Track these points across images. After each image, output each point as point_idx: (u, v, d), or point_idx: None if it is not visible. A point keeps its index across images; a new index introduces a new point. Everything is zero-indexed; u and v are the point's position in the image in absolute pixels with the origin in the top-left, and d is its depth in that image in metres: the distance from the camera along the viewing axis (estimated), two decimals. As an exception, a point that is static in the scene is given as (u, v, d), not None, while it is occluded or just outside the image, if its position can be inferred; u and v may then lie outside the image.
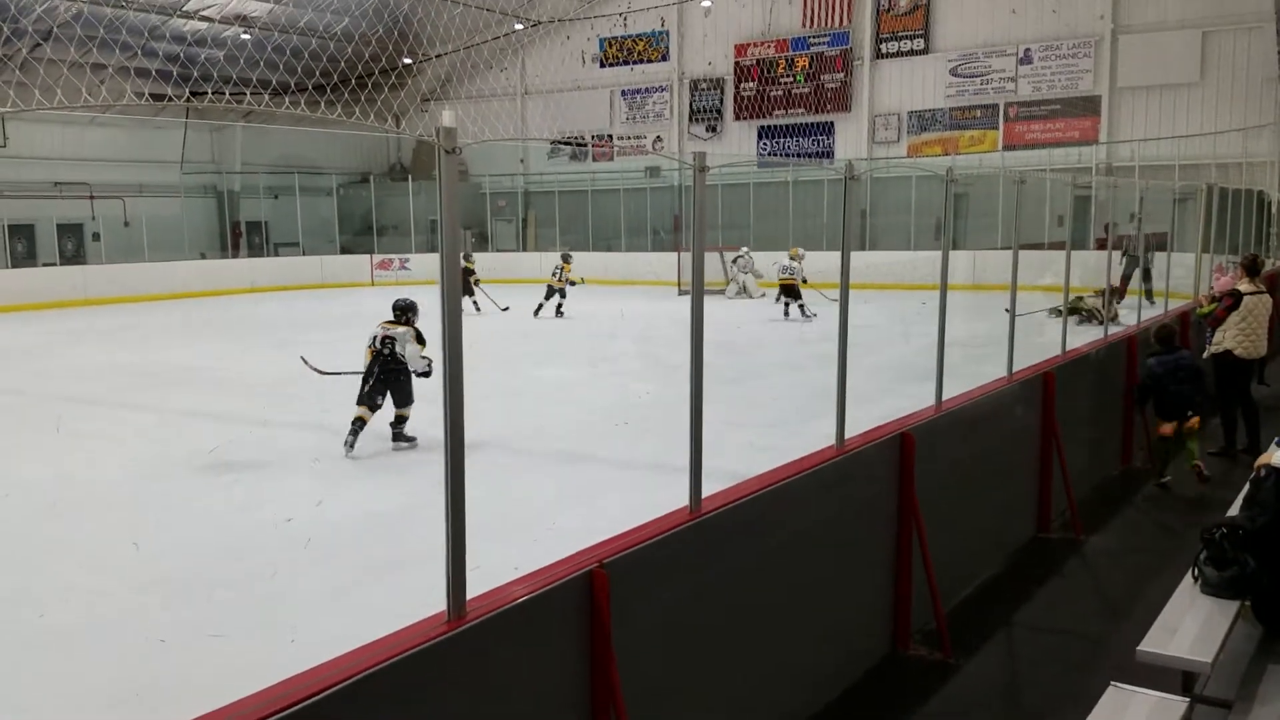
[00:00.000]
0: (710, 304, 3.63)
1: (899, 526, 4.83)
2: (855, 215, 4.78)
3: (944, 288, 5.59)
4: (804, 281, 18.68)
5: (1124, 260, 16.06)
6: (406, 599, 3.13)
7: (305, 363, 9.62)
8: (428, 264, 28.93)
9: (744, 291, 22.80)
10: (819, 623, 4.33)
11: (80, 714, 3.86)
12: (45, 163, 25.72)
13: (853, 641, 4.65)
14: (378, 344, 8.49)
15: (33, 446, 8.04)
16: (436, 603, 2.59)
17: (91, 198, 27.17)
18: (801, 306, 18.31)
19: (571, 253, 21.42)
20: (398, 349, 8.38)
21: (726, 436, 7.87)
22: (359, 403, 8.33)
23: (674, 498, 3.61)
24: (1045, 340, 7.86)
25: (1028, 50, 25.30)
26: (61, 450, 8.37)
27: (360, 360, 8.63)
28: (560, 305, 19.50)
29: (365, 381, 8.39)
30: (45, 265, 25.80)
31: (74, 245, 27.19)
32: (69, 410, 10.12)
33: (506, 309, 19.57)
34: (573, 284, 19.78)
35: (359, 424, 8.26)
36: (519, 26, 29.21)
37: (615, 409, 9.94)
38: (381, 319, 8.69)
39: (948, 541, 5.12)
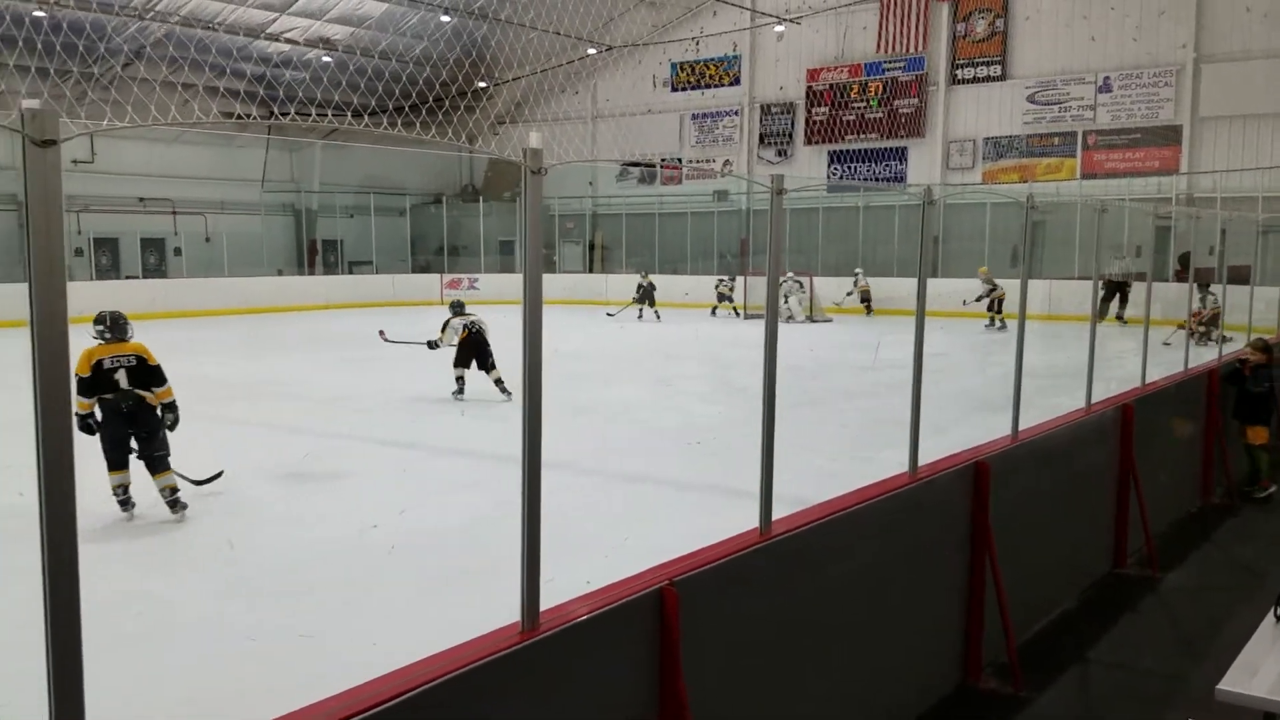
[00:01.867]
0: (767, 329, 3.61)
1: (971, 556, 4.74)
2: (930, 241, 4.73)
3: (1023, 316, 5.50)
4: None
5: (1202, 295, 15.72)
6: (482, 609, 3.15)
7: (382, 335, 12.56)
8: (496, 283, 29.32)
9: (792, 318, 23.02)
10: (889, 651, 4.26)
11: (170, 713, 3.94)
12: (131, 178, 26.57)
13: (923, 671, 4.56)
14: (473, 329, 11.48)
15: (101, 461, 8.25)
16: (510, 614, 2.61)
17: (174, 213, 28.03)
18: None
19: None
20: (485, 329, 11.58)
21: (795, 461, 7.77)
22: (459, 364, 11.55)
23: (742, 521, 3.59)
24: (1124, 373, 7.70)
25: (1107, 79, 24.85)
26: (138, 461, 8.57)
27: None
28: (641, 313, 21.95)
29: (463, 354, 11.49)
30: (128, 278, 26.61)
31: (156, 259, 28.04)
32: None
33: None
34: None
35: (461, 381, 11.56)
36: (592, 51, 29.54)
37: (682, 430, 9.92)
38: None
39: (1021, 573, 5.01)
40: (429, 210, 33.55)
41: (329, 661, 4.46)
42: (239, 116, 28.34)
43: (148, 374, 6.88)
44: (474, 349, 11.46)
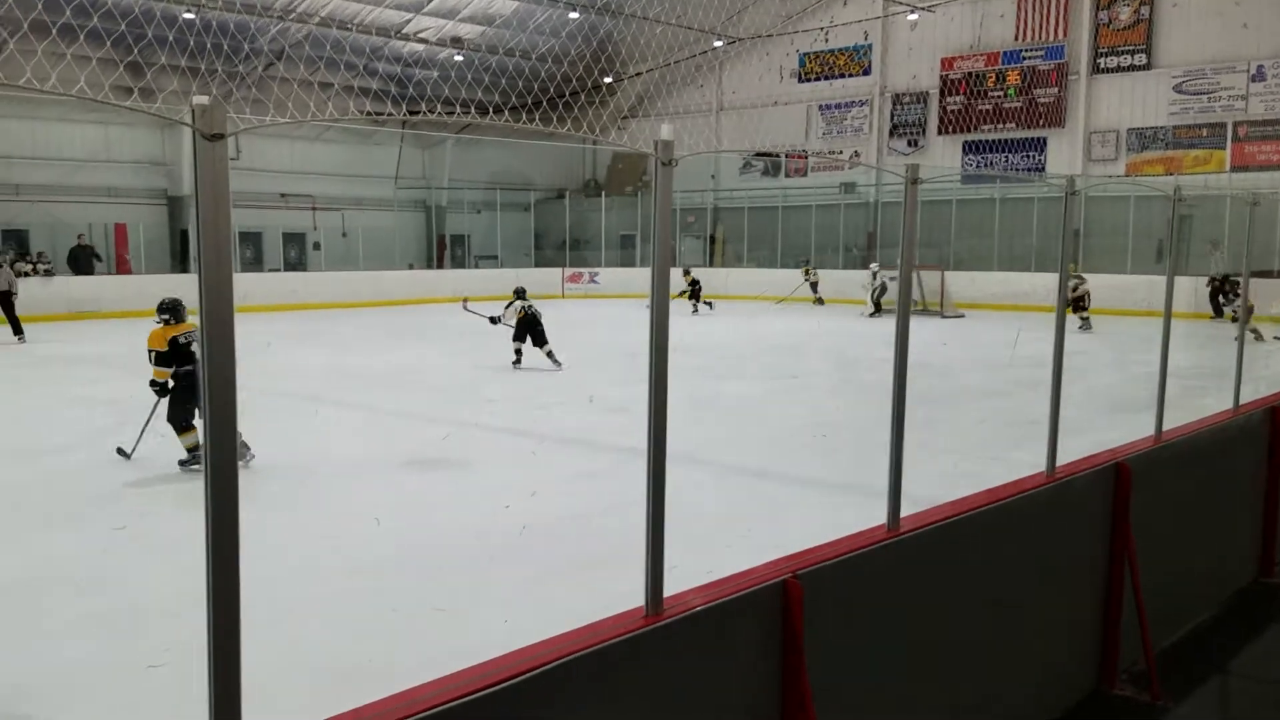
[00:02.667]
0: (899, 322, 3.55)
1: (1110, 560, 4.56)
2: (1070, 234, 4.57)
3: (1168, 314, 5.26)
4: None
5: None
6: (605, 593, 3.21)
7: (465, 305, 15.07)
8: (616, 277, 29.60)
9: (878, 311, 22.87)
10: (1021, 654, 4.14)
11: (316, 681, 4.14)
12: (274, 175, 27.81)
13: (1056, 676, 4.43)
14: (529, 310, 13.95)
15: (261, 438, 8.68)
16: (632, 601, 2.65)
17: (314, 209, 29.22)
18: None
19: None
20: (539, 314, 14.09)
21: (923, 460, 7.65)
22: (516, 339, 13.90)
23: (867, 518, 3.55)
24: (1271, 373, 7.28)
25: (1260, 67, 23.47)
26: (286, 441, 9.00)
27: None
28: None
29: (520, 330, 13.92)
30: (270, 270, 27.89)
31: (297, 253, 29.30)
32: (290, 406, 10.90)
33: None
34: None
35: (520, 354, 13.83)
36: (718, 43, 29.47)
37: (805, 425, 9.84)
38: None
39: (1161, 579, 4.80)
40: (552, 205, 34.07)
41: (464, 636, 4.62)
42: (376, 115, 29.35)
43: None
44: (529, 326, 13.89)
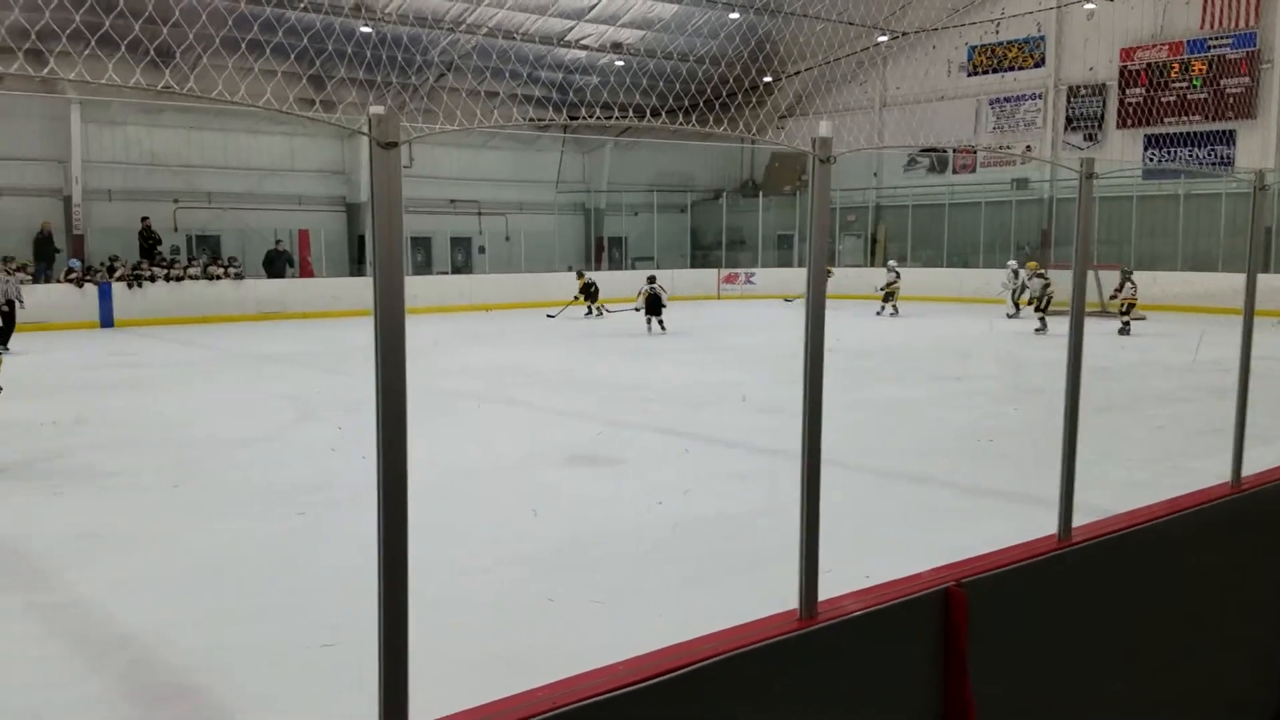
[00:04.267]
0: (1072, 323, 3.39)
1: (1305, 580, 4.23)
2: (1261, 231, 4.26)
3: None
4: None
5: None
6: (757, 595, 3.20)
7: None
8: (773, 278, 29.37)
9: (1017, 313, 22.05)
10: (1200, 675, 3.89)
11: (476, 667, 4.29)
12: (443, 182, 28.84)
13: (1236, 698, 4.14)
14: (653, 288, 19.03)
15: (428, 433, 9.06)
16: (783, 604, 2.63)
17: (480, 214, 30.19)
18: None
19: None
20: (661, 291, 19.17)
21: (1097, 469, 7.28)
22: (639, 309, 19.04)
23: (1034, 528, 3.41)
24: None
25: None
26: (455, 438, 9.36)
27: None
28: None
29: (648, 308, 18.94)
30: (439, 274, 28.98)
31: (463, 256, 30.33)
32: (454, 403, 11.31)
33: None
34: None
35: (649, 323, 18.94)
36: (882, 39, 28.85)
37: (970, 431, 9.52)
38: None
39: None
40: (709, 206, 34.11)
41: (618, 628, 4.69)
42: (539, 121, 30.09)
43: None
44: (653, 302, 19.19)
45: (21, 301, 17.45)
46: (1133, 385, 12.33)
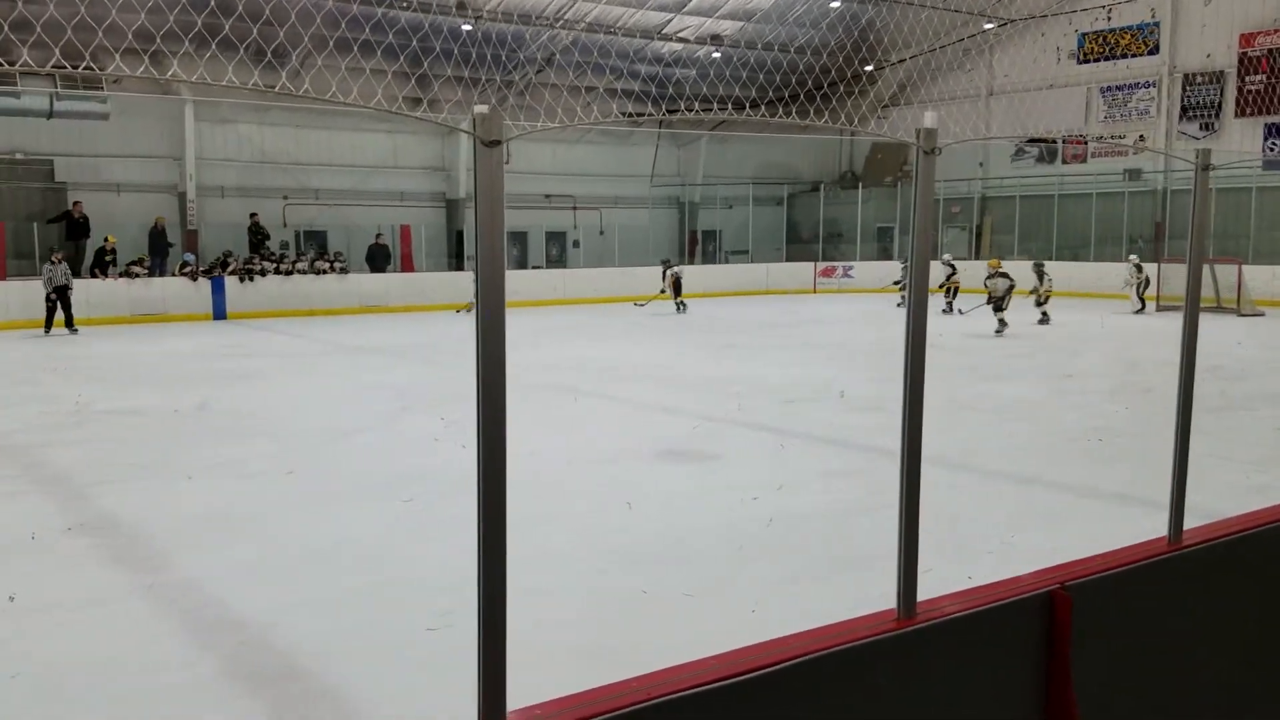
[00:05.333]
0: (1186, 319, 3.25)
1: None
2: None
3: None
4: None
5: None
6: (853, 593, 3.16)
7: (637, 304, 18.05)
8: (871, 271, 28.90)
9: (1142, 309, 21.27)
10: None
11: (569, 658, 4.34)
12: (539, 177, 29.15)
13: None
14: (672, 272, 20.28)
15: (526, 425, 9.18)
16: (881, 603, 2.59)
17: (575, 209, 30.44)
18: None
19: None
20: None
21: (1211, 471, 7.01)
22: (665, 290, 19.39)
23: (1143, 531, 3.30)
24: None
25: None
26: (552, 430, 9.47)
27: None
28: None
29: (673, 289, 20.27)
30: (534, 268, 29.32)
31: (558, 251, 30.63)
32: (551, 396, 11.44)
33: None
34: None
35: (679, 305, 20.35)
36: (989, 26, 28.11)
37: (1079, 431, 9.22)
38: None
39: None
40: (806, 198, 33.73)
41: (712, 622, 4.69)
42: (635, 115, 30.17)
43: None
44: (675, 283, 21.77)
45: (71, 285, 18.59)
46: (1252, 384, 11.79)
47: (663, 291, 23.35)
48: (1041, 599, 2.76)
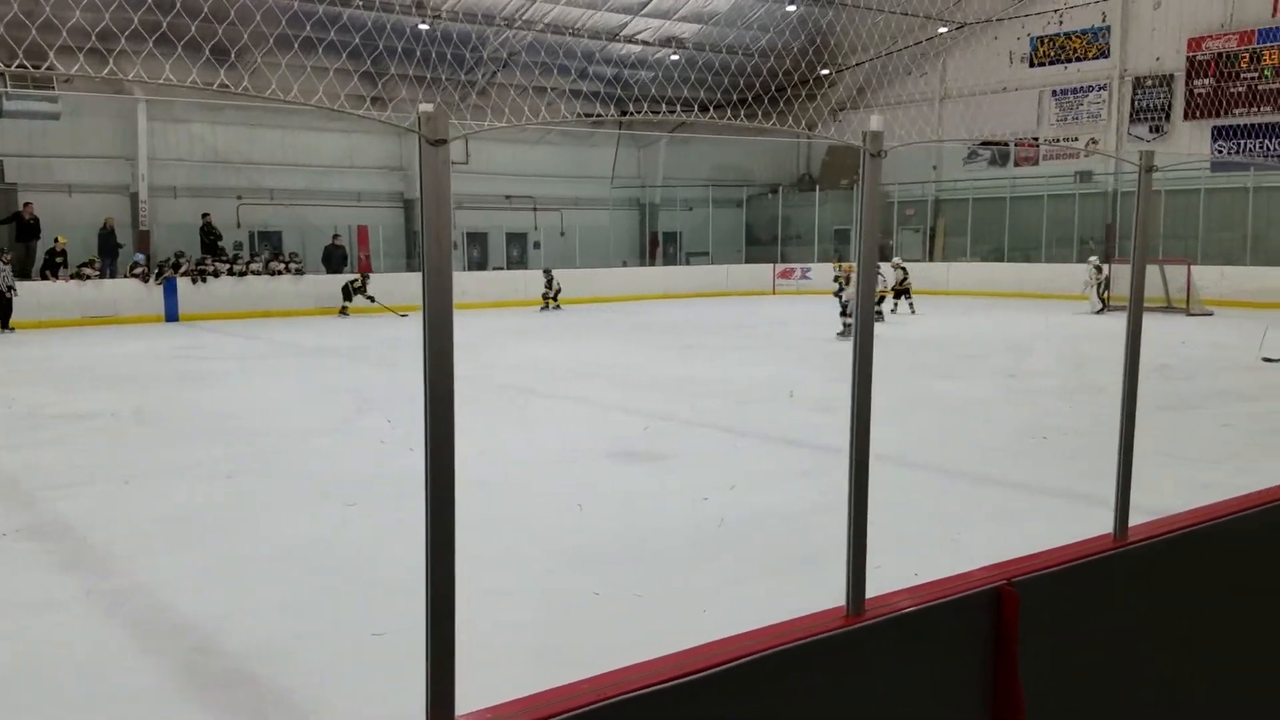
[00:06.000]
0: (1130, 318, 3.31)
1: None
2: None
3: None
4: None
5: None
6: (805, 592, 3.18)
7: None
8: (830, 273, 29.07)
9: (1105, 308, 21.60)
10: (1261, 681, 3.79)
11: (519, 659, 4.34)
12: (499, 178, 29.06)
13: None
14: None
15: (479, 427, 9.14)
16: (832, 601, 2.61)
17: (535, 210, 30.37)
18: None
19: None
20: None
21: (1160, 469, 7.15)
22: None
23: (1090, 528, 3.35)
24: None
25: None
26: (505, 432, 9.44)
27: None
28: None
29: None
30: (494, 269, 29.20)
31: (518, 252, 30.52)
32: (505, 397, 11.40)
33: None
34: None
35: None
36: (942, 30, 28.45)
37: (1028, 429, 9.37)
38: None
39: None
40: (765, 201, 33.94)
41: (663, 623, 4.70)
42: (591, 116, 30.15)
43: None
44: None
45: (14, 290, 18.31)
46: (1200, 383, 12.04)
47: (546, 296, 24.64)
48: (989, 595, 2.79)
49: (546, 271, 25.42)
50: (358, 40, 20.91)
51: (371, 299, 22.81)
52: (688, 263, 32.54)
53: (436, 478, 1.94)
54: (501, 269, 29.34)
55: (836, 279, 18.69)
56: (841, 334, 17.24)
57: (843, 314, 17.79)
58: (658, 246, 32.99)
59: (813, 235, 32.01)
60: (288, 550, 5.99)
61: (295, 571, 5.63)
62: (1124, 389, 3.24)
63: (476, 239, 29.49)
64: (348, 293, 22.98)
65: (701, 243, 32.80)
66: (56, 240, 20.90)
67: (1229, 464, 7.71)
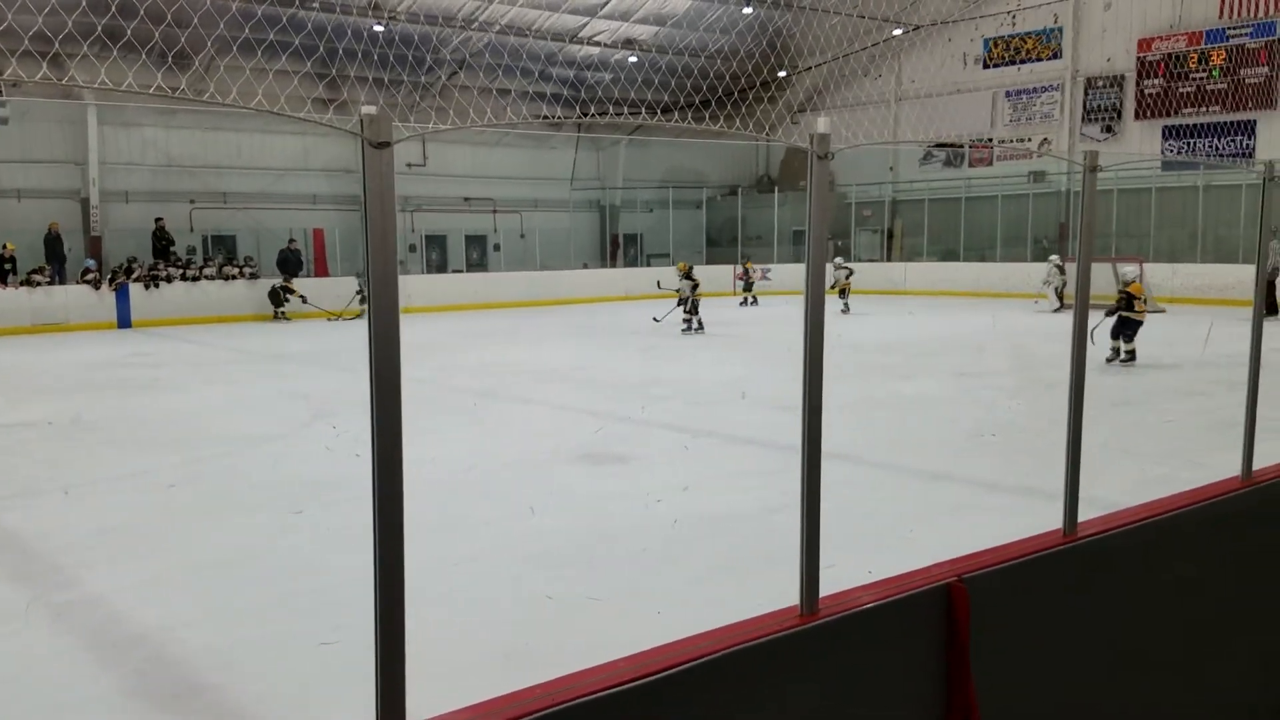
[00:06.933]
0: (1077, 314, 3.36)
1: (1320, 576, 4.19)
2: (1270, 224, 4.22)
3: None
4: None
5: None
6: (762, 592, 3.19)
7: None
8: (790, 274, 29.29)
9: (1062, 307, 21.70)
10: (1208, 673, 3.86)
11: (467, 665, 4.31)
12: (458, 180, 28.91)
13: (1252, 698, 4.10)
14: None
15: (435, 430, 9.08)
16: (788, 600, 2.62)
17: (495, 212, 30.25)
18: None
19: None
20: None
21: (1110, 464, 7.26)
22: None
23: (1041, 523, 3.39)
24: None
25: None
26: (462, 435, 9.38)
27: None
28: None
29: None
30: (454, 272, 29.04)
31: (478, 254, 30.39)
32: (468, 401, 11.33)
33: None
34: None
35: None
36: (897, 32, 28.73)
37: (982, 427, 9.47)
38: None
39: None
40: (725, 202, 34.06)
41: (617, 626, 4.69)
42: (549, 118, 30.10)
43: None
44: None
45: None
46: (1150, 379, 12.25)
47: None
48: (940, 591, 2.82)
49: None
50: (312, 42, 20.74)
51: (303, 299, 22.59)
52: (649, 264, 32.58)
53: (384, 482, 1.93)
54: (461, 271, 29.19)
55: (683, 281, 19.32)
56: (685, 330, 18.77)
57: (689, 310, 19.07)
58: (618, 248, 32.99)
59: (772, 237, 32.17)
60: (234, 558, 5.91)
61: (243, 580, 5.56)
62: (1071, 385, 3.29)
63: (435, 241, 29.32)
64: (276, 297, 22.67)
65: (662, 244, 32.85)
66: (4, 246, 20.49)
67: (1178, 458, 7.85)
